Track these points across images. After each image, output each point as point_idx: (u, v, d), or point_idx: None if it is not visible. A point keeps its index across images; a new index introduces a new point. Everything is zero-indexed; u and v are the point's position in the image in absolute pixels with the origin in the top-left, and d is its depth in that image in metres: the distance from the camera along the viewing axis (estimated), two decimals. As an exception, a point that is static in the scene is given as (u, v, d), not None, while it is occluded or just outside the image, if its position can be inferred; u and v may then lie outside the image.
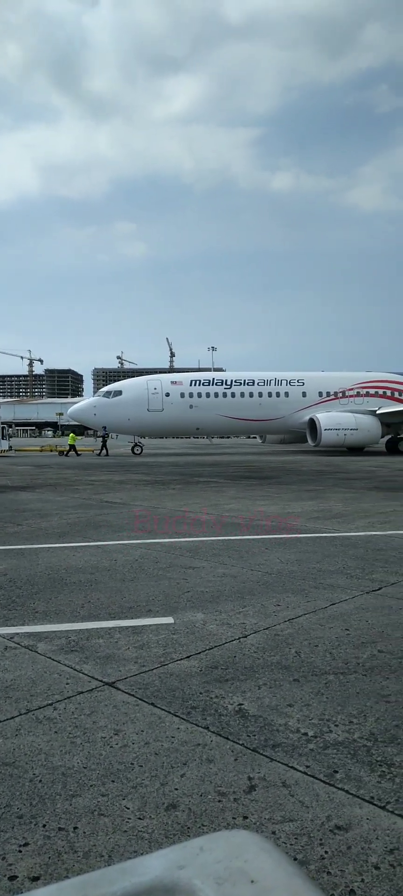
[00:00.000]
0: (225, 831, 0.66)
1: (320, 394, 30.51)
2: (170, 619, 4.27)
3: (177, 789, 2.28)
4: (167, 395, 28.29)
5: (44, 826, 2.09)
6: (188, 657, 3.57)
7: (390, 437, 30.00)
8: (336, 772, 2.38)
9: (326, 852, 1.94)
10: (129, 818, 2.12)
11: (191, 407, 28.65)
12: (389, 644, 3.77)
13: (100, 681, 3.24)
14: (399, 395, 31.30)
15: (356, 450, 29.41)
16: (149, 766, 2.43)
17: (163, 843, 1.99)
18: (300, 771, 2.38)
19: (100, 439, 31.00)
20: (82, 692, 3.11)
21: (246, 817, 2.12)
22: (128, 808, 2.17)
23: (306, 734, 2.67)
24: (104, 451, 29.68)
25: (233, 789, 2.27)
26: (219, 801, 2.21)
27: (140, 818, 2.12)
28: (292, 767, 2.41)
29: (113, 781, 2.33)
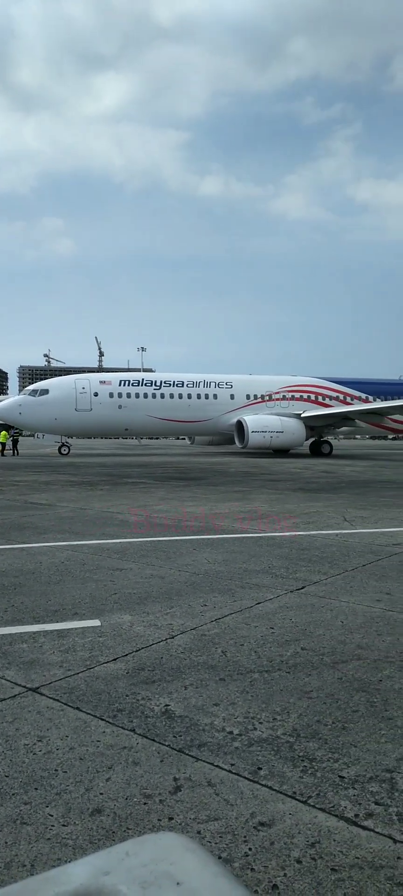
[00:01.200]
0: (151, 834, 0.66)
1: (248, 396, 30.97)
2: (96, 622, 4.22)
3: (102, 794, 2.25)
4: (95, 394, 27.96)
5: (-37, 838, 2.02)
6: (114, 660, 3.55)
7: (313, 439, 30.89)
8: (261, 769, 2.42)
9: (250, 849, 1.97)
10: (53, 825, 2.08)
11: (119, 407, 28.44)
12: (311, 641, 3.88)
13: (24, 686, 3.17)
14: (322, 399, 32.19)
15: (281, 452, 30.05)
16: (73, 771, 2.40)
17: (87, 849, 1.96)
18: (225, 769, 2.41)
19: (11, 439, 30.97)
20: (4, 699, 3.03)
21: (171, 818, 2.12)
22: (52, 816, 2.13)
23: (231, 732, 2.70)
24: (12, 452, 29.52)
25: (159, 791, 2.27)
26: (145, 803, 2.20)
27: (64, 825, 2.09)
28: (217, 766, 2.44)
29: (36, 789, 2.28)
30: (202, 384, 30.41)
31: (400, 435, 42.47)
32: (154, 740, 2.63)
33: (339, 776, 2.37)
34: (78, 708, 2.92)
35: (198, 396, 30.16)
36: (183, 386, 30.04)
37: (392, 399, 32.45)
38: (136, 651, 3.69)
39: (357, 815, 2.14)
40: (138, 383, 29.45)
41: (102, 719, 2.81)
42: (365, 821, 2.11)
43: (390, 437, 47.46)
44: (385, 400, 32.34)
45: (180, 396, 29.86)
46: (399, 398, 32.52)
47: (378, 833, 2.05)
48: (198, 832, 2.05)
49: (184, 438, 37.73)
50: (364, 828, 2.07)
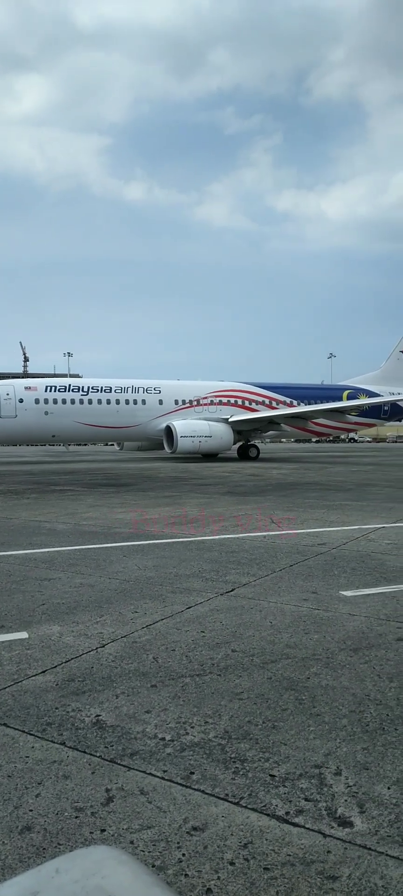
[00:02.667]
0: (82, 849, 0.65)
1: (176, 402, 31.04)
2: (23, 634, 4.11)
3: (31, 810, 2.20)
4: (20, 400, 27.26)
5: None
6: (43, 672, 3.47)
7: (241, 443, 31.32)
8: (193, 773, 2.42)
9: (184, 855, 1.97)
10: (-20, 848, 2.01)
11: (46, 413, 27.85)
12: (242, 643, 3.92)
13: None
14: (249, 404, 32.69)
15: (210, 456, 30.28)
16: (1, 789, 2.32)
17: (17, 869, 1.91)
18: (157, 777, 2.40)
19: None
20: None
21: (103, 830, 2.09)
22: (-21, 837, 2.06)
23: (163, 739, 2.70)
24: None
25: (91, 803, 2.24)
26: (76, 817, 2.16)
27: (-9, 846, 2.02)
28: (150, 774, 2.42)
29: (-39, 811, 2.20)
30: (130, 390, 30.25)
31: (324, 438, 43.75)
32: (85, 752, 2.59)
33: (270, 775, 2.41)
34: (5, 724, 2.84)
35: (127, 402, 29.98)
36: (111, 392, 29.78)
37: (316, 403, 33.37)
38: (66, 662, 3.62)
39: (287, 813, 2.17)
40: (65, 389, 28.95)
41: (31, 734, 2.74)
42: (296, 818, 2.15)
43: (314, 440, 48.83)
44: (309, 404, 33.20)
45: (108, 402, 29.57)
46: (321, 402, 33.48)
47: (308, 829, 2.09)
48: (131, 842, 2.03)
49: (112, 444, 37.39)
50: (295, 825, 2.11)
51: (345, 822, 2.12)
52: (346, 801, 2.25)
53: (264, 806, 2.22)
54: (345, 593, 5.12)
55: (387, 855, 1.96)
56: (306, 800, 2.25)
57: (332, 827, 2.10)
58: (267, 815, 2.17)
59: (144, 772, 2.44)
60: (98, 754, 2.57)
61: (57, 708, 3.00)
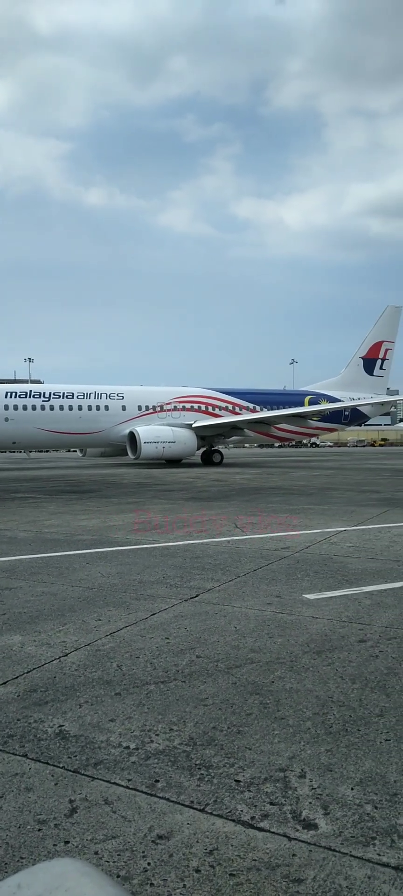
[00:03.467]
0: (45, 862, 0.64)
1: (139, 407, 30.95)
2: (-16, 645, 4.03)
3: (-8, 825, 2.15)
4: (-20, 407, 26.82)
5: None
6: (4, 683, 3.40)
7: (205, 449, 31.37)
8: (158, 781, 2.41)
9: (149, 864, 1.95)
10: None
11: (6, 420, 27.44)
12: (206, 649, 3.92)
13: None
14: (213, 409, 32.80)
15: (174, 462, 30.26)
16: (-39, 805, 2.26)
17: (-23, 885, 1.86)
18: (122, 786, 2.38)
19: None
20: None
21: (67, 842, 2.06)
22: None
23: (128, 747, 2.67)
24: None
25: (54, 815, 2.20)
26: (39, 829, 2.12)
27: None
28: (114, 783, 2.40)
29: None
30: (93, 395, 30.03)
31: (286, 443, 44.16)
32: (48, 763, 2.55)
33: (235, 780, 2.41)
34: (-35, 737, 2.77)
35: (89, 408, 29.75)
36: (73, 397, 29.51)
37: (278, 408, 33.68)
38: (28, 672, 3.56)
39: (253, 818, 2.17)
40: (26, 395, 28.57)
41: (-8, 747, 2.68)
42: (261, 822, 2.15)
43: (277, 445, 49.21)
44: (272, 409, 33.49)
45: (70, 408, 29.30)
46: (284, 407, 33.81)
47: (273, 833, 2.09)
48: (96, 853, 2.00)
49: (75, 451, 37.05)
50: (261, 829, 2.11)
51: (310, 825, 2.13)
52: (310, 803, 2.26)
53: (229, 811, 2.21)
54: (308, 596, 5.17)
55: (351, 856, 1.98)
56: (271, 804, 2.26)
57: (297, 830, 2.11)
58: (233, 820, 2.16)
59: (108, 781, 2.41)
60: (61, 765, 2.53)
61: (19, 719, 2.95)
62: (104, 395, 30.34)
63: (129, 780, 2.41)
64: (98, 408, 29.94)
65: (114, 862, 1.96)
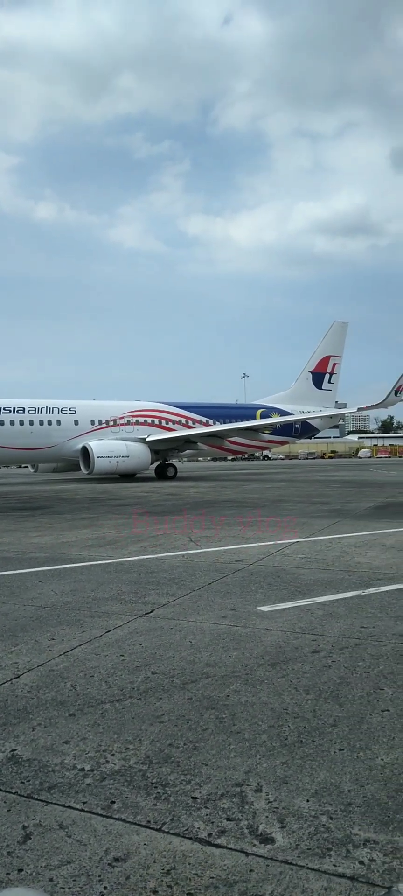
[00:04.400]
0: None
1: (92, 422, 30.67)
2: None
3: None
4: None
5: None
6: None
7: (159, 463, 31.30)
8: (114, 802, 2.38)
9: (105, 888, 1.92)
10: None
11: None
12: (161, 665, 3.89)
13: None
14: (166, 423, 32.78)
15: (128, 476, 30.08)
16: None
17: None
18: (77, 809, 2.34)
19: None
20: None
21: (21, 870, 2.01)
22: None
23: (83, 769, 2.63)
24: None
25: (7, 842, 2.15)
26: (-9, 859, 2.06)
27: None
28: (69, 807, 2.35)
29: None
30: (45, 410, 29.60)
31: (239, 456, 44.47)
32: (0, 790, 2.48)
33: (192, 797, 2.40)
34: None
35: (41, 423, 29.31)
36: (24, 412, 29.03)
37: (231, 422, 33.91)
38: (-22, 696, 3.46)
39: (210, 835, 2.17)
40: (-26, 410, 27.98)
41: None
42: (218, 838, 2.15)
43: (230, 458, 49.49)
44: (225, 423, 33.69)
45: (21, 423, 28.80)
46: (236, 421, 34.06)
47: (230, 849, 2.09)
48: (50, 879, 1.96)
49: (26, 466, 36.39)
50: (218, 846, 2.11)
51: (267, 839, 2.14)
52: (267, 817, 2.27)
53: (186, 830, 2.20)
54: (262, 608, 5.20)
55: (308, 868, 1.99)
56: (228, 819, 2.25)
57: (254, 845, 2.11)
58: (190, 838, 2.15)
59: (63, 805, 2.37)
60: (14, 791, 2.47)
61: (-31, 745, 2.87)
62: (56, 410, 29.95)
63: (85, 803, 2.37)
64: (50, 422, 29.53)
65: (69, 888, 1.92)
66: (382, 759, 2.66)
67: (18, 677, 3.74)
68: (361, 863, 2.01)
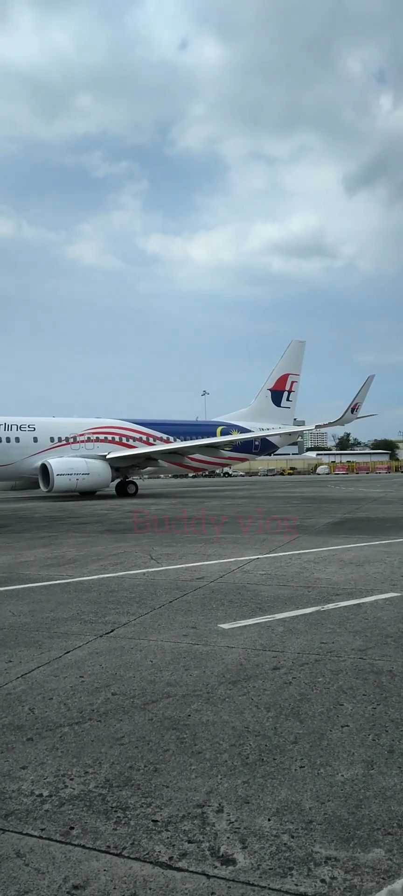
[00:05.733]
0: None
1: (52, 439, 30.30)
2: None
3: None
4: None
5: None
6: None
7: (119, 480, 31.11)
8: (73, 828, 2.33)
9: (63, 917, 1.87)
10: None
11: None
12: (122, 685, 3.85)
13: None
14: (127, 440, 32.65)
15: (88, 494, 29.77)
16: None
17: None
18: (35, 836, 2.28)
19: None
20: None
21: (-25, 903, 1.95)
22: None
23: (41, 795, 2.57)
24: None
25: (-39, 875, 2.08)
26: None
27: None
28: (27, 834, 2.29)
29: None
30: (2, 427, 29.12)
31: (200, 473, 44.53)
32: None
33: (153, 820, 2.37)
34: None
35: (-1, 440, 28.82)
36: (-19, 429, 28.50)
37: (191, 439, 33.97)
38: None
39: (171, 858, 2.14)
40: None
41: None
42: (179, 861, 2.12)
43: (190, 475, 49.54)
44: (185, 440, 33.73)
45: (-22, 440, 28.26)
46: (197, 438, 34.14)
47: (192, 872, 2.07)
48: (7, 912, 1.90)
49: (-17, 484, 35.68)
50: (179, 869, 2.08)
51: (228, 860, 2.13)
52: (229, 837, 2.25)
53: (147, 854, 2.17)
54: (223, 626, 5.20)
55: (269, 888, 1.98)
56: (189, 842, 2.23)
57: (215, 867, 2.09)
58: (151, 862, 2.12)
59: (20, 832, 2.31)
60: (-31, 820, 2.40)
61: None
62: (14, 427, 29.49)
63: (43, 830, 2.32)
64: (8, 440, 29.04)
65: (26, 919, 1.87)
66: (342, 776, 2.68)
67: (-26, 702, 3.64)
68: (323, 881, 2.01)
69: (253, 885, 2.00)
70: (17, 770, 2.79)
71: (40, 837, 2.27)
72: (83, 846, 2.22)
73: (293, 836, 2.25)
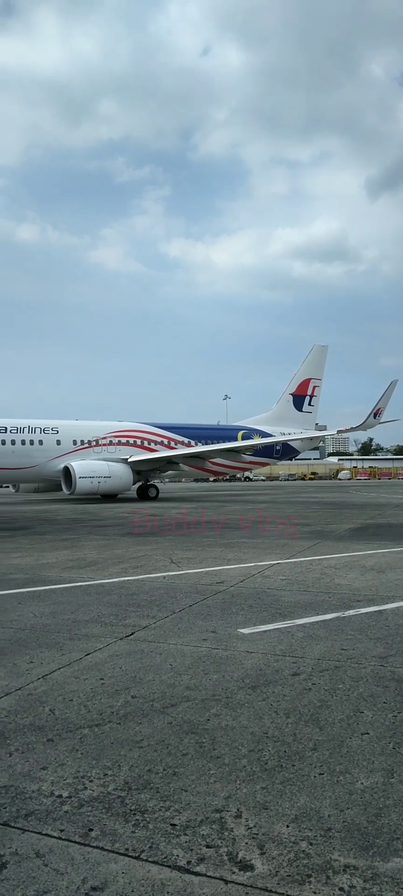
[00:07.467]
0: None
1: (74, 442, 30.54)
2: None
3: None
4: None
5: None
6: None
7: (140, 483, 31.22)
8: (92, 830, 2.34)
9: (82, 917, 1.89)
10: None
11: None
12: (142, 689, 3.86)
13: None
14: (148, 444, 32.76)
15: (109, 497, 29.94)
16: None
17: None
18: (54, 837, 2.30)
19: None
20: None
21: (-5, 901, 1.97)
22: None
23: (60, 796, 2.59)
24: None
25: (-18, 873, 2.10)
26: (-34, 890, 2.02)
27: None
28: (46, 835, 2.31)
29: None
30: (26, 430, 29.42)
31: (220, 477, 44.51)
32: (-25, 818, 2.44)
33: (171, 824, 2.37)
34: None
35: (23, 442, 29.12)
36: (6, 431, 28.83)
37: (212, 443, 33.98)
38: None
39: (189, 862, 2.14)
40: None
41: None
42: (197, 866, 2.12)
43: (211, 479, 49.55)
44: (206, 444, 33.75)
45: (3, 443, 28.59)
46: (218, 442, 34.14)
47: (209, 877, 2.07)
48: (26, 911, 1.92)
49: (7, 486, 36.06)
50: (197, 873, 2.09)
51: (246, 866, 2.12)
52: (247, 843, 2.25)
53: (165, 857, 2.18)
54: (243, 631, 5.19)
55: (287, 895, 1.98)
56: (207, 846, 2.23)
57: (233, 872, 2.09)
58: (169, 866, 2.13)
59: (40, 833, 2.33)
60: (-10, 819, 2.43)
61: None
62: (38, 430, 29.78)
63: (62, 831, 2.34)
64: (32, 442, 29.34)
65: (45, 919, 1.89)
66: (362, 783, 2.66)
67: (-4, 702, 3.68)
68: (341, 889, 2.00)
69: (270, 891, 1.99)
70: (38, 770, 2.82)
71: (59, 838, 2.29)
72: (102, 848, 2.23)
73: (311, 844, 2.24)
